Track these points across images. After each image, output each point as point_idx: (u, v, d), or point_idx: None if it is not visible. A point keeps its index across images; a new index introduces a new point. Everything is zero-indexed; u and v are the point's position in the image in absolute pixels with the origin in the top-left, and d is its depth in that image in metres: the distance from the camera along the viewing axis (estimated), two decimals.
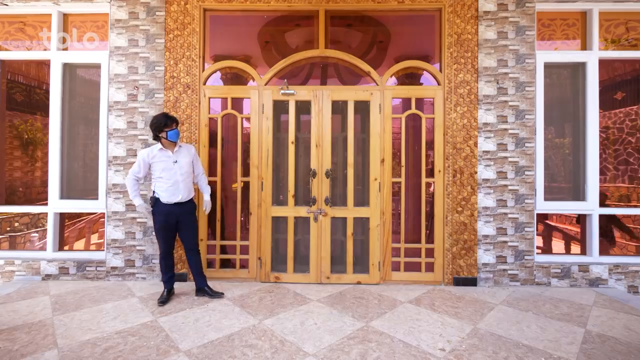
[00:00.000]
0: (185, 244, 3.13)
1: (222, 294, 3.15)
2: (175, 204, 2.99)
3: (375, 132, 3.56)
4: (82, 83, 3.87)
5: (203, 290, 3.13)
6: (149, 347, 2.24)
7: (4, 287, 3.37)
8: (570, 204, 3.62)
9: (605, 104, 4.08)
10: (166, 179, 2.96)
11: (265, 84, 3.65)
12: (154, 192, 3.02)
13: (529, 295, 3.23)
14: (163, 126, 2.92)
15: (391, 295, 3.23)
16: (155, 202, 3.00)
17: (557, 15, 3.68)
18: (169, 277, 3.09)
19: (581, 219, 3.70)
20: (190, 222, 3.11)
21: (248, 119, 3.67)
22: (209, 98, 3.65)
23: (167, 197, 2.97)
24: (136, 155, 3.56)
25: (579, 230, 3.77)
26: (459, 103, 3.50)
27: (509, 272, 3.50)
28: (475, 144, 3.50)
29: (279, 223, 3.66)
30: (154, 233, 3.53)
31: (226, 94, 3.67)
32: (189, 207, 3.09)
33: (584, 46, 3.66)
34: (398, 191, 3.63)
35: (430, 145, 3.63)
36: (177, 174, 2.98)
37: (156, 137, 2.99)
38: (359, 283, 3.54)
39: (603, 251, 3.62)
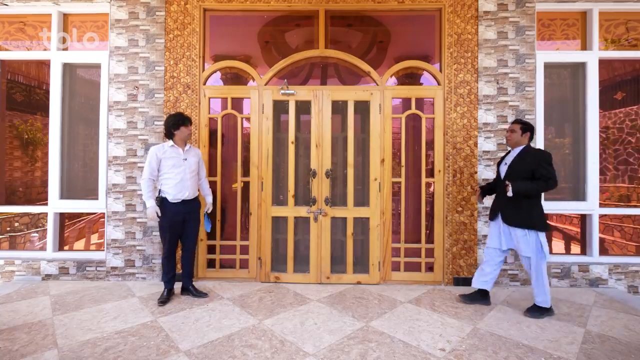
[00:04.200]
0: (186, 244, 3.13)
1: (206, 294, 3.15)
2: (183, 201, 3.02)
3: (375, 132, 3.56)
4: (82, 83, 3.87)
5: (188, 289, 3.16)
6: (149, 347, 2.24)
7: (4, 287, 3.37)
8: (570, 204, 3.62)
9: (605, 104, 4.08)
10: (175, 175, 2.99)
11: (265, 84, 3.65)
12: (160, 191, 3.02)
13: (529, 295, 3.23)
14: (181, 123, 3.01)
15: (391, 295, 3.23)
16: (162, 201, 3.00)
17: (557, 15, 3.68)
18: (171, 277, 3.09)
19: (581, 219, 3.69)
20: (196, 220, 3.13)
21: (248, 119, 3.67)
22: (209, 98, 3.65)
23: (174, 194, 2.98)
24: (136, 155, 3.56)
25: (578, 230, 3.77)
26: (459, 103, 3.50)
27: (509, 272, 3.50)
28: (475, 144, 3.50)
29: (279, 223, 3.65)
30: (154, 233, 3.54)
31: (226, 94, 3.67)
32: (195, 205, 3.12)
33: (584, 46, 3.66)
34: (398, 191, 3.63)
35: (430, 145, 3.63)
36: (185, 171, 3.02)
37: (169, 135, 3.03)
38: (359, 283, 3.54)
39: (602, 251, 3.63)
